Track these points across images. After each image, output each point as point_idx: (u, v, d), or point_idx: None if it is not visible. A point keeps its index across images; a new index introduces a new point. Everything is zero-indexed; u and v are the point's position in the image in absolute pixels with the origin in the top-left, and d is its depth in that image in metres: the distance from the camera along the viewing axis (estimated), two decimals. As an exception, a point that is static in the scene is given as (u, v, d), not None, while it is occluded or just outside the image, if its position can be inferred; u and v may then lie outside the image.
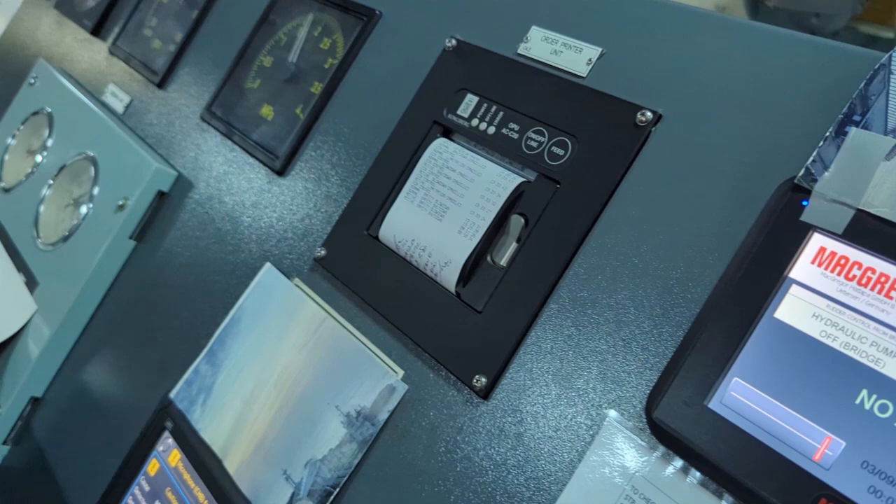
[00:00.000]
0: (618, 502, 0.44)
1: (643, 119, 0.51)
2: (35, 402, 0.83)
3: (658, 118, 0.51)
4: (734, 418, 0.41)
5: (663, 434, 0.43)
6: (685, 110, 0.51)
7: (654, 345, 0.46)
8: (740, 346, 0.42)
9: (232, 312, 0.68)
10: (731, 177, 0.47)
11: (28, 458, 0.81)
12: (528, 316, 0.51)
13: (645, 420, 0.44)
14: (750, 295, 0.43)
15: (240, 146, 0.79)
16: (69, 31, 1.16)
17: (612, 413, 0.46)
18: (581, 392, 0.48)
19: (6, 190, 1.00)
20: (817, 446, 0.39)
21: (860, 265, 0.40)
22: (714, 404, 0.42)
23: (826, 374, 0.39)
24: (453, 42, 0.65)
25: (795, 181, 0.43)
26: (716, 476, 0.41)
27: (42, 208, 0.93)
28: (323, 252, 0.65)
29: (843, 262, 0.41)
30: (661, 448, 0.43)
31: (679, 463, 0.43)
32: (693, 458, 0.42)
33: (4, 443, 0.82)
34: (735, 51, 0.50)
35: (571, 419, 0.47)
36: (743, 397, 0.41)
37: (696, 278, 0.46)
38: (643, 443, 0.44)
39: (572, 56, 0.57)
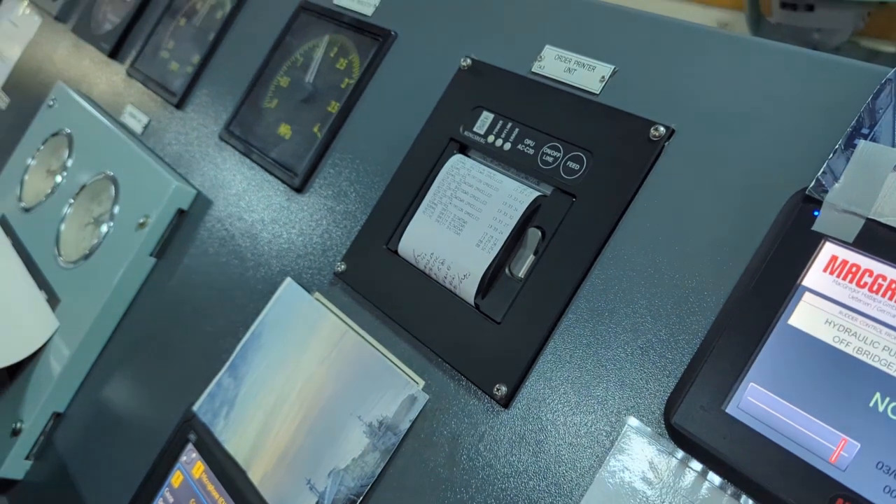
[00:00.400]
0: (638, 506, 0.45)
1: (656, 134, 0.53)
2: (57, 417, 0.84)
3: (671, 133, 0.53)
4: (751, 422, 0.42)
5: (682, 439, 0.44)
6: (697, 125, 0.52)
7: (671, 352, 0.47)
8: (756, 353, 0.43)
9: (253, 327, 0.69)
10: (742, 189, 0.49)
11: (51, 473, 0.83)
12: (547, 326, 0.52)
13: (663, 425, 0.45)
14: (764, 302, 0.44)
15: (258, 164, 0.81)
16: (86, 54, 1.19)
17: (631, 419, 0.47)
18: (600, 399, 0.49)
19: (26, 209, 1.02)
20: (833, 448, 0.40)
21: (871, 272, 0.42)
22: (731, 409, 0.43)
23: (840, 378, 0.41)
24: (468, 61, 0.67)
25: (807, 192, 0.45)
26: (734, 479, 0.42)
27: (63, 227, 0.94)
28: (343, 266, 0.66)
29: (854, 269, 0.42)
30: (680, 452, 0.45)
31: (698, 466, 0.44)
32: (711, 461, 0.43)
33: (27, 458, 0.84)
34: (744, 67, 0.52)
35: (591, 426, 0.49)
36: (759, 402, 0.42)
37: (710, 287, 0.47)
38: (662, 448, 0.45)
39: (585, 74, 0.59)
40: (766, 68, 0.51)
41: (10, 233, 1.02)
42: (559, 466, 0.49)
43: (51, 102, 1.11)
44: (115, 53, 1.11)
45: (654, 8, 0.64)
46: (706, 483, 0.43)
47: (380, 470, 0.56)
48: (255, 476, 0.62)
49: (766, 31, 1.98)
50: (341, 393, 0.60)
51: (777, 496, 0.40)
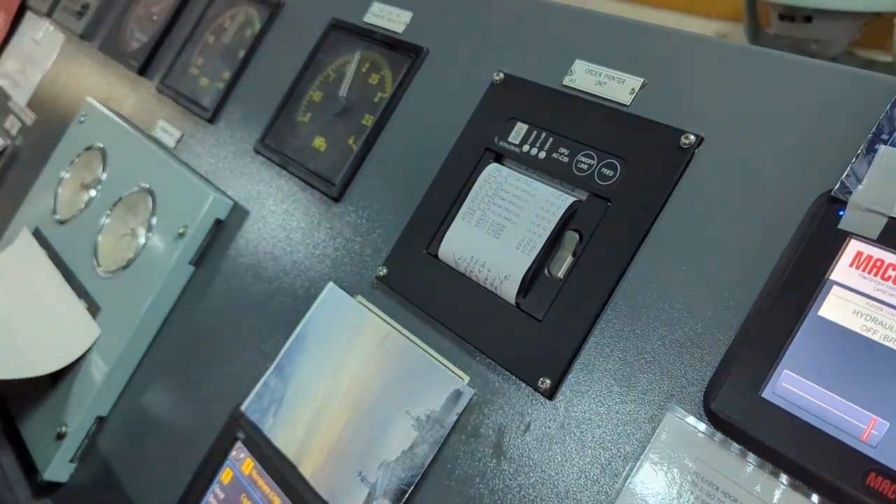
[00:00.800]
0: (682, 487, 0.48)
1: (687, 141, 0.56)
2: (100, 420, 0.87)
3: (700, 140, 0.56)
4: (786, 406, 0.46)
5: (722, 423, 0.48)
6: (724, 133, 0.56)
7: (708, 344, 0.51)
8: (789, 342, 0.47)
9: (298, 329, 0.73)
10: (769, 191, 0.52)
11: (95, 476, 0.86)
12: (588, 322, 0.56)
13: (703, 412, 0.49)
14: (795, 296, 0.48)
15: (295, 175, 0.84)
16: (113, 72, 1.22)
17: (672, 406, 0.51)
18: (641, 389, 0.52)
19: (61, 222, 1.05)
20: (864, 427, 0.43)
21: (894, 266, 0.45)
22: (767, 394, 0.46)
23: (869, 363, 0.44)
24: (501, 75, 0.70)
25: (832, 194, 0.48)
26: (772, 458, 0.46)
27: (100, 238, 0.98)
28: (384, 271, 0.70)
29: (878, 264, 0.46)
30: (720, 435, 0.48)
31: (737, 448, 0.47)
32: (750, 443, 0.47)
33: (71, 461, 0.87)
34: (766, 78, 0.56)
35: (633, 413, 0.52)
36: (793, 387, 0.46)
37: (742, 284, 0.51)
38: (703, 432, 0.49)
39: (616, 86, 0.63)
40: (786, 79, 0.55)
41: (45, 245, 1.05)
42: (604, 453, 0.52)
43: (81, 118, 1.14)
44: (143, 71, 1.15)
45: (654, 19, 0.68)
46: (746, 464, 0.47)
47: (429, 461, 0.59)
48: (307, 470, 0.65)
49: (764, 42, 2.03)
50: (388, 389, 0.64)
51: (813, 472, 0.44)
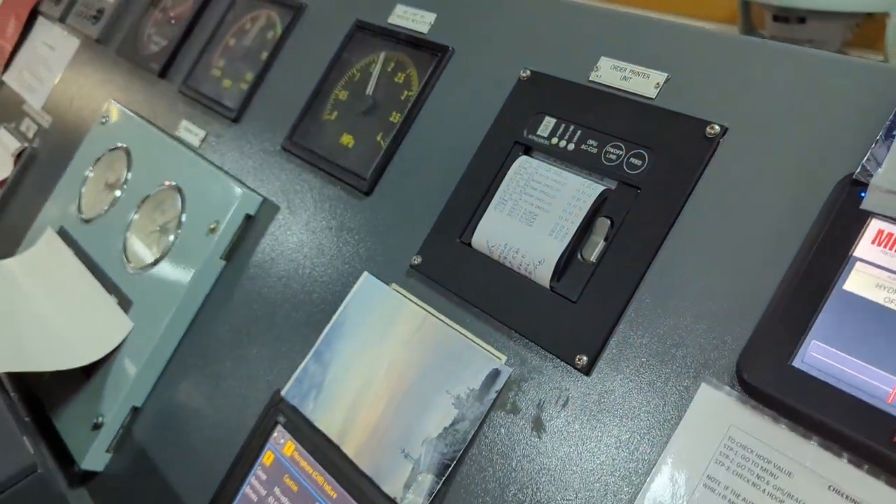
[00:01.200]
0: (717, 450, 0.52)
1: (712, 132, 0.60)
2: (135, 411, 0.90)
3: (725, 130, 0.60)
4: (816, 373, 0.49)
5: (755, 391, 0.51)
6: (747, 124, 0.60)
7: (738, 319, 0.54)
8: (816, 314, 0.51)
9: (334, 317, 0.76)
10: (792, 176, 0.56)
11: (131, 464, 0.88)
12: (622, 301, 0.59)
13: (737, 382, 0.52)
14: (821, 272, 0.51)
15: (324, 171, 0.87)
16: (132, 75, 1.25)
17: (706, 377, 0.54)
18: (675, 362, 0.56)
19: (86, 221, 1.08)
20: (889, 391, 0.47)
21: (914, 242, 0.49)
22: (797, 363, 0.50)
23: (892, 332, 0.48)
24: (528, 72, 0.74)
25: (854, 177, 0.52)
26: (804, 422, 0.49)
27: (128, 235, 1.00)
28: (419, 259, 0.73)
29: (898, 240, 0.50)
30: (753, 403, 0.51)
31: (770, 414, 0.51)
32: (782, 408, 0.50)
33: (107, 451, 0.89)
34: (785, 71, 0.60)
35: (669, 385, 0.55)
36: (822, 356, 0.50)
37: (769, 263, 0.55)
38: (737, 401, 0.52)
39: (641, 81, 0.66)
40: (804, 71, 0.59)
41: (70, 243, 1.08)
42: (642, 421, 0.56)
43: (103, 120, 1.17)
44: (164, 73, 1.17)
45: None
46: (779, 428, 0.50)
47: (470, 436, 0.62)
48: (349, 450, 0.68)
49: (757, 43, 2.08)
50: (427, 371, 0.67)
51: (843, 433, 0.47)
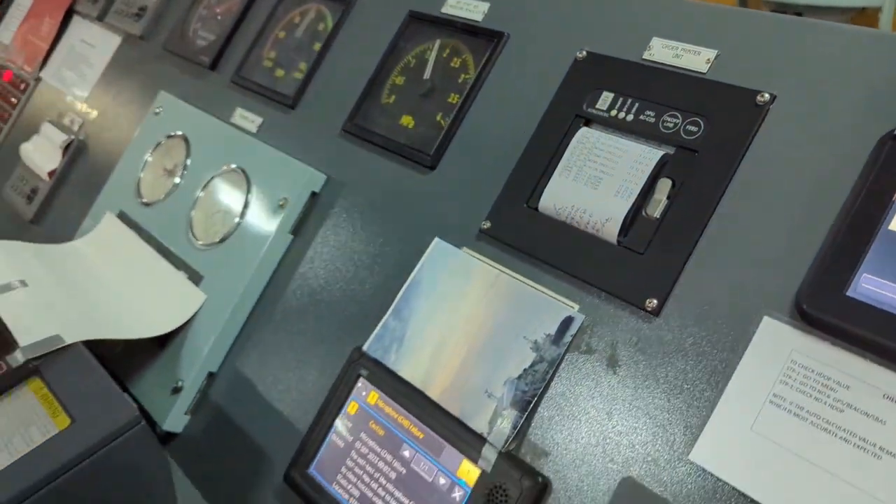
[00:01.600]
0: (781, 372, 0.59)
1: (762, 99, 0.68)
2: (211, 376, 0.96)
3: (773, 98, 0.68)
4: (868, 301, 0.57)
5: (813, 318, 0.59)
6: (794, 92, 0.68)
7: (793, 261, 0.62)
8: (865, 251, 0.58)
9: (409, 279, 0.83)
10: (838, 135, 0.64)
11: (209, 426, 0.95)
12: (686, 250, 0.67)
13: (797, 313, 0.60)
14: (868, 215, 0.59)
15: (387, 149, 0.94)
16: (178, 68, 1.31)
17: (768, 310, 0.62)
18: (738, 299, 0.63)
19: (146, 204, 1.14)
20: (933, 311, 0.55)
21: (950, 186, 0.57)
22: (850, 293, 0.58)
23: (934, 262, 0.56)
24: (584, 53, 0.81)
25: (894, 133, 0.60)
26: (857, 342, 0.57)
27: (193, 215, 1.07)
28: (488, 224, 0.80)
29: (936, 185, 0.57)
30: (811, 329, 0.59)
31: (827, 337, 0.58)
32: (838, 331, 0.58)
33: (186, 413, 0.96)
34: (827, 44, 0.68)
35: (733, 320, 0.63)
36: (872, 286, 0.57)
37: (820, 209, 0.62)
38: (796, 328, 0.60)
39: (692, 58, 0.74)
40: (843, 44, 0.67)
41: (132, 226, 1.14)
42: (707, 357, 0.63)
43: (157, 110, 1.23)
44: (214, 66, 1.24)
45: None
46: (836, 350, 0.58)
47: (549, 376, 0.69)
48: (434, 394, 0.75)
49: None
50: (504, 321, 0.74)
51: (892, 349, 0.55)
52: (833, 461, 0.56)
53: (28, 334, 0.87)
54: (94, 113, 1.43)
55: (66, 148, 1.40)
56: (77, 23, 1.63)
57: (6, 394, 0.84)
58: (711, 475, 0.60)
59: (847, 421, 0.56)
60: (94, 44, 1.54)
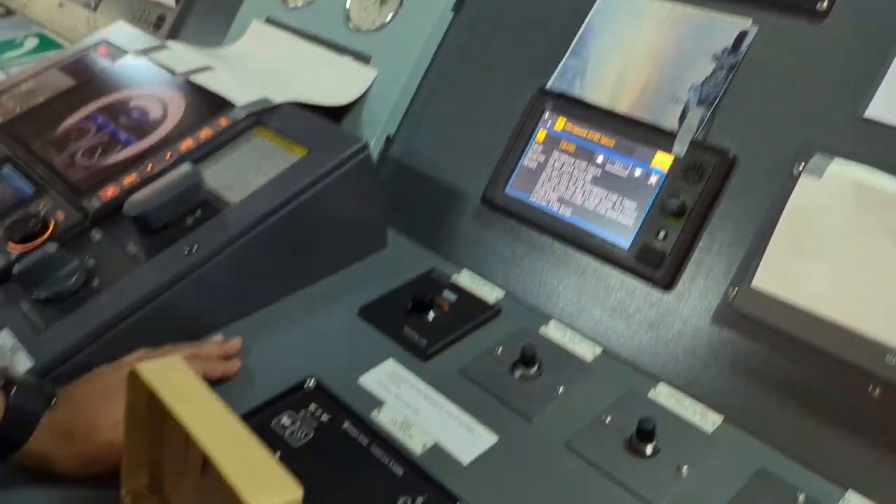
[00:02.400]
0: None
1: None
2: (388, 140, 1.10)
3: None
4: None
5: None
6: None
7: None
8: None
9: (584, 24, 0.96)
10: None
11: (392, 177, 1.08)
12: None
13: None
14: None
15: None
16: None
17: None
18: None
19: (294, 8, 1.26)
20: None
21: None
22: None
23: None
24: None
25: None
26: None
27: (348, 5, 1.18)
28: (655, -29, 0.93)
29: None
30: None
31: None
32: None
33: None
34: None
35: None
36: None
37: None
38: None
39: None
40: None
41: (281, 28, 1.26)
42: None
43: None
44: None
45: None
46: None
47: (729, 81, 0.84)
48: (622, 109, 0.90)
49: None
50: (683, 42, 0.88)
51: None
52: None
53: (240, 98, 1.01)
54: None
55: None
56: None
57: (240, 138, 0.97)
58: None
59: None
60: None
